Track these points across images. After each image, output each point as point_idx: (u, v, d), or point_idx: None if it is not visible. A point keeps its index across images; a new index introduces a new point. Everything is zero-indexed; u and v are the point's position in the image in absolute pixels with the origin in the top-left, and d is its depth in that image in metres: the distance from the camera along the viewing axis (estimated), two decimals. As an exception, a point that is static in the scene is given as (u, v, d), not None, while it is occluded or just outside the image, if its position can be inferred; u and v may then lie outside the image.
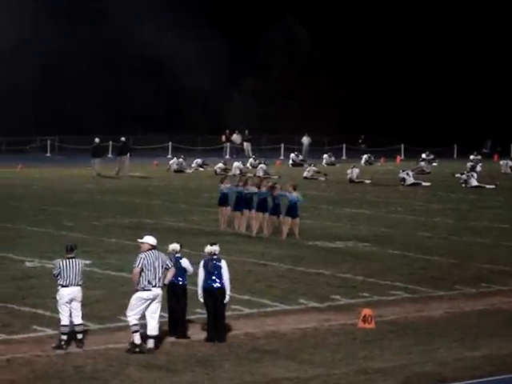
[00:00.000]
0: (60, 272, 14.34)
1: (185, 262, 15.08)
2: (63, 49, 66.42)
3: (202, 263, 14.88)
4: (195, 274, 15.02)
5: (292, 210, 25.36)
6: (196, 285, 15.01)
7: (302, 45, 75.20)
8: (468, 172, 44.51)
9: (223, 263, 14.88)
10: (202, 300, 14.90)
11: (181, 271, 14.99)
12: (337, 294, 18.29)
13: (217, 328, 14.77)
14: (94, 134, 58.28)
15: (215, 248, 14.92)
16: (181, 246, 15.25)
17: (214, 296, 14.77)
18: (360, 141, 63.88)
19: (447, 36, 75.94)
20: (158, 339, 14.41)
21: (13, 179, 41.90)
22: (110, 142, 57.42)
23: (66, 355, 13.94)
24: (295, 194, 25.61)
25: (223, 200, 26.89)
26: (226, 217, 26.84)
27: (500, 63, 76.43)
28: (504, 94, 75.84)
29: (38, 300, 17.06)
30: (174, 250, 15.15)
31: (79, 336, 14.41)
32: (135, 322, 14.21)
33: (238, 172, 46.55)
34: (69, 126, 64.57)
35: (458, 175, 46.89)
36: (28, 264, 20.69)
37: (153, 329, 14.28)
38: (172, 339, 14.82)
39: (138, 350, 14.04)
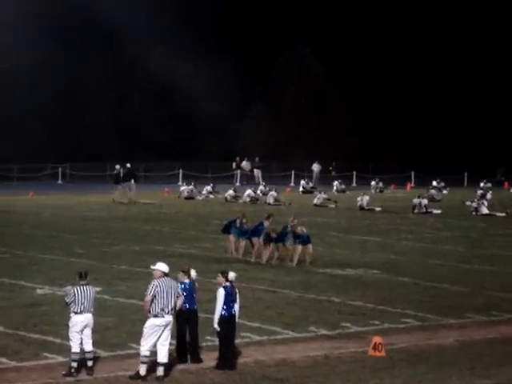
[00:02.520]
0: (74, 299, 14.38)
1: (194, 287, 15.17)
2: (76, 75, 66.91)
3: (222, 290, 14.75)
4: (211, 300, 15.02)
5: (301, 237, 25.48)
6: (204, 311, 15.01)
7: (313, 73, 75.50)
8: (478, 200, 44.46)
9: (237, 291, 14.96)
10: (218, 328, 14.75)
11: (195, 297, 15.08)
12: (347, 321, 18.27)
13: (227, 355, 14.75)
14: (106, 161, 58.51)
15: (233, 275, 14.97)
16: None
17: (228, 323, 14.72)
18: (330, 168, 63.93)
19: (458, 64, 76.08)
20: (168, 367, 14.41)
21: (24, 206, 42.06)
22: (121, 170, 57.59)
23: (76, 382, 13.95)
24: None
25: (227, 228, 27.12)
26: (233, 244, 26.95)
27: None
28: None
29: (48, 327, 17.09)
30: (191, 277, 15.23)
31: (89, 363, 14.42)
32: (147, 353, 14.21)
33: (248, 200, 46.67)
34: (80, 154, 64.88)
35: (468, 203, 46.84)
36: (39, 291, 20.73)
37: (163, 356, 14.28)
38: (181, 367, 14.81)
39: (140, 380, 14.05)
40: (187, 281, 15.13)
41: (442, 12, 76.19)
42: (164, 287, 14.30)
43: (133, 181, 45.97)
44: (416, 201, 43.15)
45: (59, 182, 59.43)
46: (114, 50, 68.47)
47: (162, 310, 14.21)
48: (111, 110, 68.99)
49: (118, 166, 47.00)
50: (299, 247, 25.36)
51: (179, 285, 14.79)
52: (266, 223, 26.21)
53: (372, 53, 74.92)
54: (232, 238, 26.95)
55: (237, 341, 15.23)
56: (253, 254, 26.08)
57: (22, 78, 62.14)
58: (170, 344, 14.50)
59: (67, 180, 59.95)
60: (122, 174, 46.11)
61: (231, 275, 14.90)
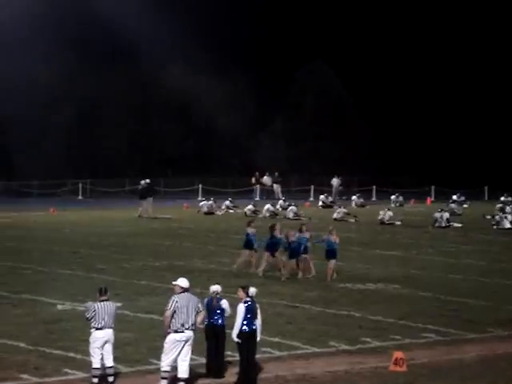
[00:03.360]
0: (94, 315, 14.42)
1: (225, 303, 15.15)
2: (94, 93, 67.25)
3: (242, 305, 14.73)
4: (231, 315, 15.02)
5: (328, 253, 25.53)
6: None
7: (331, 87, 75.56)
8: (500, 213, 44.23)
9: (258, 305, 14.92)
10: (237, 339, 14.69)
11: (221, 312, 15.08)
12: (368, 336, 18.19)
13: (248, 371, 14.71)
14: (126, 177, 58.69)
15: (253, 290, 14.94)
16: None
17: (248, 339, 14.70)
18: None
19: (478, 77, 75.94)
20: (189, 382, 14.40)
21: (45, 223, 42.21)
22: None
23: (97, 398, 13.98)
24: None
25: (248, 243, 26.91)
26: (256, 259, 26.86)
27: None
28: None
29: (69, 343, 17.12)
30: (214, 292, 15.21)
31: (110, 379, 14.45)
32: (167, 368, 14.23)
33: (268, 214, 46.65)
34: (100, 169, 65.16)
35: (488, 217, 46.62)
36: (59, 307, 20.79)
37: (183, 371, 14.30)
38: (202, 382, 14.80)
39: None
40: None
41: (465, 31, 76.06)
42: (184, 302, 14.31)
43: (151, 197, 46.26)
44: (437, 214, 42.99)
45: (79, 197, 59.68)
46: (132, 66, 68.81)
47: (182, 325, 14.23)
48: (130, 127, 69.29)
49: (142, 182, 47.34)
50: (331, 262, 25.37)
51: (200, 300, 14.78)
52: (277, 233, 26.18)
53: (391, 66, 74.88)
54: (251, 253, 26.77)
55: (257, 356, 15.20)
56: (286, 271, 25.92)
57: (44, 96, 62.56)
58: (191, 359, 14.50)
59: (87, 196, 60.18)
60: (145, 190, 46.47)
61: (252, 290, 14.88)
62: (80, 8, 60.84)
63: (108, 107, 68.63)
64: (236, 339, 14.72)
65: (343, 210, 46.50)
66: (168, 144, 69.78)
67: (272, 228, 26.38)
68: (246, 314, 14.64)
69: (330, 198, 56.71)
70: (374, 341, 17.87)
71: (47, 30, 60.71)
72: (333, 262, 25.51)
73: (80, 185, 60.58)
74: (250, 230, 27.06)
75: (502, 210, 47.66)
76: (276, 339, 17.61)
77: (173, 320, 14.26)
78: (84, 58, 65.55)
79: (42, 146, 62.78)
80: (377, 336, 18.21)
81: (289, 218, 45.28)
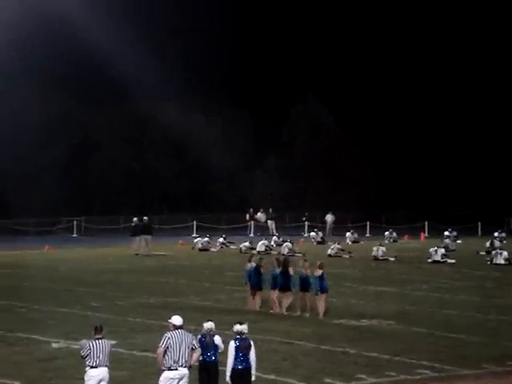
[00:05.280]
0: (89, 353, 14.45)
1: (218, 340, 15.13)
2: (89, 130, 67.54)
3: (233, 344, 14.74)
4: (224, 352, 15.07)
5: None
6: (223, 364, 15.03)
7: (324, 123, 75.99)
8: (495, 249, 44.37)
9: (251, 342, 14.92)
10: (230, 382, 14.75)
11: (215, 348, 15.07)
12: (363, 372, 18.21)
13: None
14: (121, 214, 58.73)
15: (244, 327, 14.98)
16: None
17: (242, 377, 14.70)
18: (304, 218, 63.88)
19: (467, 110, 76.51)
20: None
21: (40, 260, 42.18)
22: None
23: None
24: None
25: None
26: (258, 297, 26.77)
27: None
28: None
29: (64, 381, 17.11)
30: (208, 329, 15.17)
31: (106, 417, 14.44)
32: (163, 406, 14.22)
33: (263, 249, 46.72)
34: (95, 207, 65.21)
35: (482, 253, 46.76)
36: (54, 345, 20.77)
37: (179, 410, 14.29)
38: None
39: None
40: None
41: (456, 52, 76.72)
42: (177, 339, 14.35)
43: (150, 235, 46.36)
44: (432, 250, 43.14)
45: (74, 235, 59.66)
46: (127, 104, 69.19)
47: (176, 362, 14.25)
48: (125, 164, 69.49)
49: (135, 219, 47.55)
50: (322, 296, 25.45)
51: (194, 338, 14.83)
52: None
53: (381, 102, 75.44)
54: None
55: (253, 393, 15.20)
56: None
57: (36, 133, 62.79)
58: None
59: (82, 233, 60.17)
60: (139, 227, 46.52)
61: (240, 327, 14.89)
62: (74, 46, 61.33)
63: (103, 144, 68.88)
64: (228, 380, 14.72)
65: (337, 245, 46.60)
66: (163, 181, 69.98)
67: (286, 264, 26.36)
68: (236, 351, 14.67)
69: (321, 234, 56.71)
70: (369, 377, 17.88)
71: (41, 66, 61.16)
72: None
73: (75, 222, 60.60)
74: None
75: (492, 244, 47.92)
76: (271, 376, 17.62)
77: (166, 357, 14.30)
78: (77, 96, 65.89)
79: (36, 184, 62.89)
80: (372, 372, 18.22)
81: (283, 255, 45.28)
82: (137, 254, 44.99)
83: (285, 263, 26.31)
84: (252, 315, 25.03)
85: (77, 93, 65.62)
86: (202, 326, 15.37)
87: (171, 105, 68.45)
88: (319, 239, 54.86)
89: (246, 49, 72.48)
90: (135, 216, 48.39)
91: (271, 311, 26.20)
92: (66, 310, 26.27)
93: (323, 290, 25.47)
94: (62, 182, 63.94)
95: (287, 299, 26.11)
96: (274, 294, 26.31)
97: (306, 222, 63.23)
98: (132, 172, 69.52)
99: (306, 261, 26.78)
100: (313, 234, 56.26)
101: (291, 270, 26.16)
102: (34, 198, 60.94)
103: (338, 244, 47.21)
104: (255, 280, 26.43)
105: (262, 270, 26.60)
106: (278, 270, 26.26)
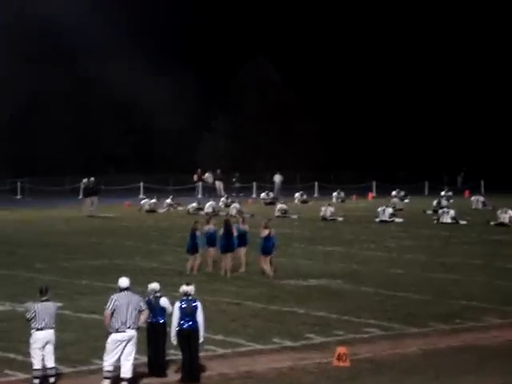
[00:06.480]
0: (34, 315, 14.18)
1: (164, 301, 15.02)
2: (35, 89, 66.32)
3: (177, 304, 14.75)
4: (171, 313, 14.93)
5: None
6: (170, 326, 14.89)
7: (273, 83, 75.66)
8: (442, 208, 44.78)
9: (198, 304, 14.80)
10: (174, 342, 14.78)
11: (160, 310, 14.94)
12: (311, 332, 18.22)
13: (191, 369, 14.64)
14: (66, 175, 57.96)
15: (191, 288, 14.85)
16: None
17: (188, 337, 14.65)
18: (234, 179, 63.91)
19: (417, 68, 76.76)
20: (132, 381, 14.25)
21: (-17, 222, 41.55)
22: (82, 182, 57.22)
23: (37, 400, 13.74)
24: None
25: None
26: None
27: (471, 100, 77.29)
28: (476, 131, 76.66)
29: (9, 344, 16.85)
30: (153, 290, 15.07)
31: (51, 380, 14.26)
32: (109, 368, 14.10)
33: (210, 210, 46.52)
34: (39, 168, 64.24)
35: (429, 212, 47.16)
36: (-1, 308, 20.47)
37: (126, 371, 14.17)
38: (145, 381, 14.66)
39: None
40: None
41: (402, 14, 76.74)
42: (124, 301, 14.18)
43: (96, 196, 45.74)
44: (380, 209, 43.36)
45: (18, 196, 58.83)
46: (73, 63, 68.04)
47: (123, 323, 14.10)
48: (71, 124, 68.50)
49: (85, 180, 46.83)
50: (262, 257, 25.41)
51: (142, 299, 14.65)
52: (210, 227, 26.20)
53: (330, 61, 75.31)
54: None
55: (201, 354, 15.11)
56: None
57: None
58: (135, 359, 14.36)
59: (27, 195, 59.34)
60: (90, 188, 45.91)
61: (187, 288, 14.78)
62: (22, 6, 60.11)
63: (48, 104, 67.73)
64: (174, 341, 14.66)
65: (284, 206, 46.58)
66: (109, 142, 69.18)
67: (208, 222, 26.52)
68: (182, 312, 14.57)
69: (272, 195, 56.75)
70: (317, 336, 17.90)
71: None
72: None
73: (19, 183, 59.72)
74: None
75: (439, 203, 48.39)
76: (219, 337, 17.54)
77: (113, 319, 14.13)
78: (22, 55, 64.59)
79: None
80: (320, 332, 18.24)
81: (231, 215, 45.18)
82: (89, 216, 44.29)
83: (227, 224, 26.06)
84: (201, 276, 24.91)
85: (23, 53, 64.31)
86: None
87: (118, 65, 67.47)
88: (270, 199, 54.81)
89: (196, 8, 71.66)
90: (82, 177, 47.75)
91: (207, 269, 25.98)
92: (10, 272, 25.87)
93: (265, 251, 25.31)
94: (4, 143, 62.86)
95: (228, 260, 25.82)
96: (210, 254, 26.20)
97: (237, 184, 62.85)
98: (77, 132, 68.57)
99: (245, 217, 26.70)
100: (263, 194, 56.20)
101: (235, 231, 25.96)
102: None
103: (286, 204, 47.15)
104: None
105: (198, 233, 26.11)
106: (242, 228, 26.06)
